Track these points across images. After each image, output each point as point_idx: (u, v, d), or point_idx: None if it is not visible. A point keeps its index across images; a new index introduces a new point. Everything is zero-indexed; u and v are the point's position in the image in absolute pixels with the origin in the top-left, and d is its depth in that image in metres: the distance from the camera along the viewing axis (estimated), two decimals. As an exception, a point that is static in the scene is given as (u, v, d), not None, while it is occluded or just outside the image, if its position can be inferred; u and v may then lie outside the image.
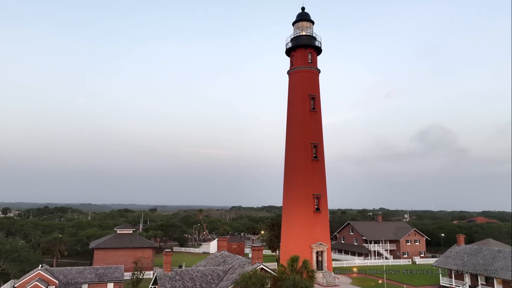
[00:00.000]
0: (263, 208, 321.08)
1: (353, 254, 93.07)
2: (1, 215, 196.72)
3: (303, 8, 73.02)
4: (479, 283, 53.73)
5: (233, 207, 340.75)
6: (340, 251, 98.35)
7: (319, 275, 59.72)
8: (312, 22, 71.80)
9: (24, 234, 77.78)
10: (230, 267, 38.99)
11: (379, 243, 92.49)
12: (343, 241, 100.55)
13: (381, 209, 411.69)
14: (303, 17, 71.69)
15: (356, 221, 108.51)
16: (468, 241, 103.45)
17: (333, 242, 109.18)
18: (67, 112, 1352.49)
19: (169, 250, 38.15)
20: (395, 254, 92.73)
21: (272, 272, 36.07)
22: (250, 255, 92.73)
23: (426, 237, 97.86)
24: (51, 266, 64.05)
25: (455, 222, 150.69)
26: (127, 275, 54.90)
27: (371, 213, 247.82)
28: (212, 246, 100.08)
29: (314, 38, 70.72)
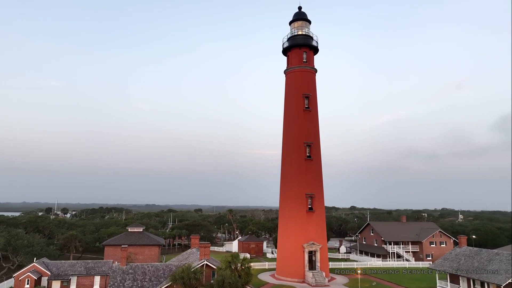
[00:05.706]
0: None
1: (372, 255, 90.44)
2: (63, 215, 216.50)
3: (299, 8, 72.99)
4: (473, 287, 50.52)
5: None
6: (361, 252, 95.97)
7: (309, 275, 59.69)
8: (309, 22, 71.45)
9: (50, 231, 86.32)
10: (185, 263, 41.00)
11: (399, 244, 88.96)
12: (364, 242, 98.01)
13: (443, 209, 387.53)
14: (299, 16, 71.61)
15: (376, 222, 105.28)
16: (510, 242, 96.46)
17: (354, 243, 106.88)
18: (132, 118, 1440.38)
19: (125, 246, 41.08)
20: (417, 256, 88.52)
21: (214, 268, 37.52)
22: (267, 255, 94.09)
23: (454, 238, 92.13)
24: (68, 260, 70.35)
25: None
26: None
27: (425, 214, 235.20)
28: (234, 245, 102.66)
29: (310, 38, 70.40)
